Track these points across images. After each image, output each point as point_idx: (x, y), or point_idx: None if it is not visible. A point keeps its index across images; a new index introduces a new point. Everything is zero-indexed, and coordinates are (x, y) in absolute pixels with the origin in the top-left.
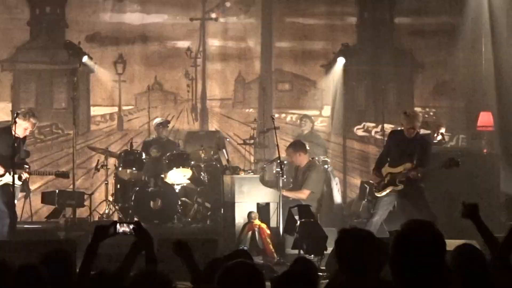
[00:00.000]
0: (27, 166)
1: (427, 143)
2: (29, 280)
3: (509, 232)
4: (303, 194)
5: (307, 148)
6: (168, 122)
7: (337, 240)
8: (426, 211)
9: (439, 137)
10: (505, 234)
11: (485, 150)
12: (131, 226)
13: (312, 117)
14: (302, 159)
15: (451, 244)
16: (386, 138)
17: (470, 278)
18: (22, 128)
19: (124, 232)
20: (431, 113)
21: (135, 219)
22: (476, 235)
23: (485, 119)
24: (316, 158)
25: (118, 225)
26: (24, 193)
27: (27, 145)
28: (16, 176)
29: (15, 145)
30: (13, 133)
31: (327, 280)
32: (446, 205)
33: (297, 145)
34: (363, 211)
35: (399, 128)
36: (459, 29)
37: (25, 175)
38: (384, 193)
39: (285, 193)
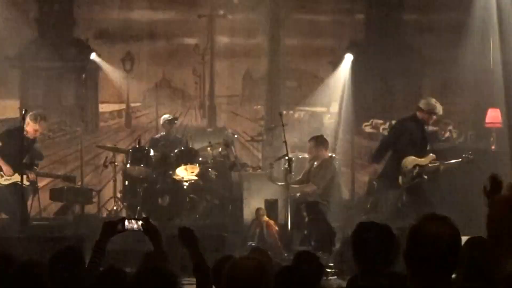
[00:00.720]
0: (36, 168)
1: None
2: (28, 277)
3: None
4: (308, 188)
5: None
6: (176, 119)
7: (354, 233)
8: (433, 208)
9: (447, 134)
10: None
11: (493, 147)
12: (140, 223)
13: (322, 114)
14: (322, 154)
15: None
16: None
17: (482, 270)
18: (32, 130)
19: (132, 229)
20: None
21: (143, 215)
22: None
23: (493, 115)
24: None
25: (126, 222)
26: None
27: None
28: (24, 177)
29: (25, 145)
30: (24, 133)
31: (335, 276)
32: (456, 202)
33: (320, 139)
34: (371, 207)
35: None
36: (467, 25)
37: (31, 176)
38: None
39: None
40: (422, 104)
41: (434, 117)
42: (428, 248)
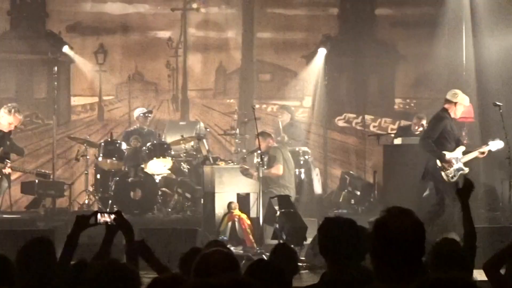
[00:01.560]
0: (8, 161)
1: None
2: None
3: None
4: (276, 170)
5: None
6: (151, 112)
7: (320, 228)
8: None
9: (421, 128)
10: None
11: (465, 142)
12: (112, 216)
13: (292, 108)
14: (265, 145)
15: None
16: (366, 129)
17: (449, 266)
18: (7, 123)
19: (105, 222)
20: (412, 105)
21: (115, 209)
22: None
23: (466, 110)
24: (297, 149)
25: (99, 215)
26: (6, 185)
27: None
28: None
29: None
30: None
31: (307, 271)
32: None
33: (265, 134)
34: (343, 201)
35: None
36: (440, 20)
37: (6, 170)
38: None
39: (264, 173)
40: (448, 95)
41: (460, 108)
42: (392, 241)
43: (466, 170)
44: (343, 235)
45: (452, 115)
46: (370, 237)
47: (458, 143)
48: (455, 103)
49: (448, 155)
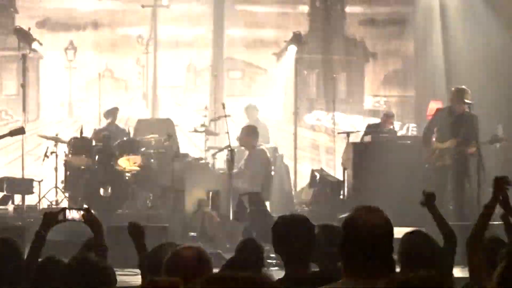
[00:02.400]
0: None
1: (476, 117)
2: None
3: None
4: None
5: None
6: (116, 109)
7: (273, 227)
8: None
9: (391, 126)
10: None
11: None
12: (81, 213)
13: (255, 106)
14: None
15: (401, 231)
16: (336, 127)
17: (420, 263)
18: None
19: (73, 219)
20: (382, 102)
21: (85, 206)
22: (425, 222)
23: (435, 108)
24: (262, 146)
25: (67, 212)
26: None
27: None
28: None
29: None
30: None
31: (277, 268)
32: (399, 194)
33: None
34: (313, 199)
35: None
36: (410, 18)
37: None
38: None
39: None
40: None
41: (464, 104)
42: (360, 238)
43: None
44: (296, 233)
45: None
46: (339, 234)
47: None
48: None
49: None
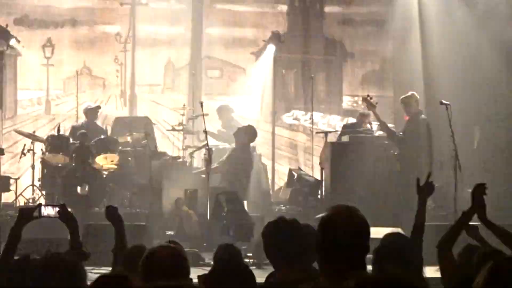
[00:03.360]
0: None
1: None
2: None
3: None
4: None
5: None
6: (98, 107)
7: (263, 232)
8: None
9: (367, 126)
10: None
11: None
12: (56, 209)
13: (230, 106)
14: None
15: (380, 232)
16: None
17: (400, 265)
18: None
19: (49, 215)
20: (360, 102)
21: (60, 203)
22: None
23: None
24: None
25: (43, 208)
26: None
27: None
28: None
29: None
30: None
31: (254, 267)
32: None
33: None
34: (290, 198)
35: None
36: (389, 19)
37: None
38: None
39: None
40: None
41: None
42: (337, 238)
43: None
44: (287, 238)
45: None
46: (315, 234)
47: None
48: None
49: None
